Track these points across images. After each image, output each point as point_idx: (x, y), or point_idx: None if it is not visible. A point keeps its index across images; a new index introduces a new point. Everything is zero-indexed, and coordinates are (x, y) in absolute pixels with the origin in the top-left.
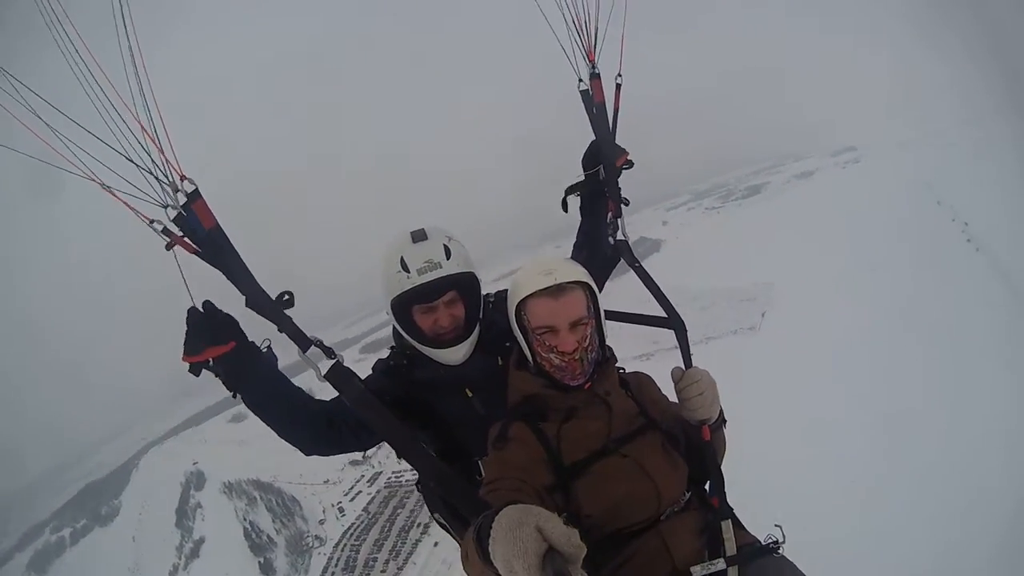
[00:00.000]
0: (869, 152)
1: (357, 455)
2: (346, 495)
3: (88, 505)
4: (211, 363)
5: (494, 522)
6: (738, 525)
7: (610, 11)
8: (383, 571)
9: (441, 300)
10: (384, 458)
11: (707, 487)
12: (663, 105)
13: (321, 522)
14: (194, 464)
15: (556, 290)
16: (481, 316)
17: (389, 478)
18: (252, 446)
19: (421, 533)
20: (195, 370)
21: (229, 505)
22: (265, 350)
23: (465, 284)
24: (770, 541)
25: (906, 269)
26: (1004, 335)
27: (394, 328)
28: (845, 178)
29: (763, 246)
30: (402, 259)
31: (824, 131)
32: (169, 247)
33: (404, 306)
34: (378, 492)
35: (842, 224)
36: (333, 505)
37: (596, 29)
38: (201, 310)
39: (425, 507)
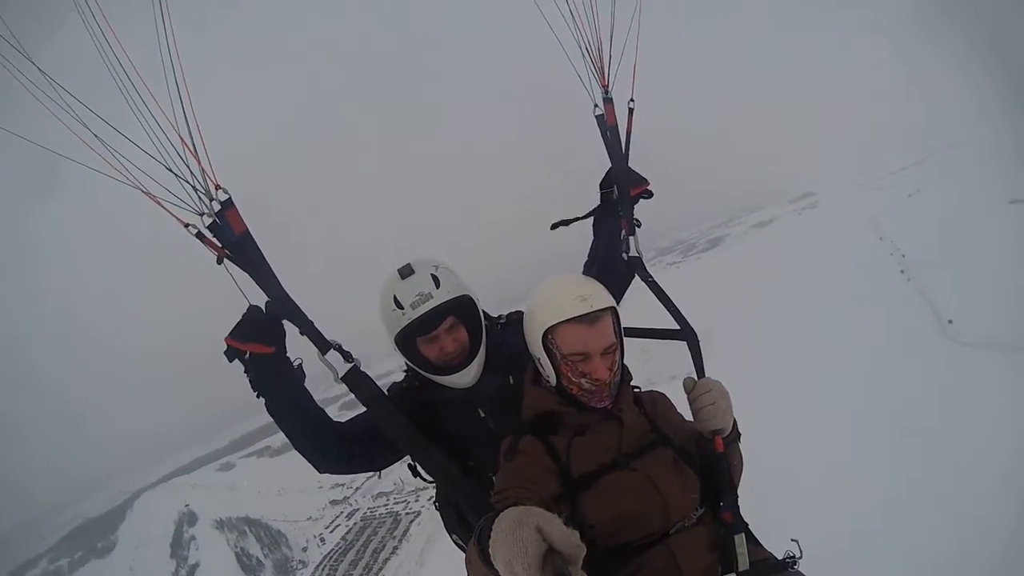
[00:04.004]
0: (827, 196)
1: (337, 495)
2: (327, 528)
3: (84, 540)
4: (248, 356)
5: (494, 523)
6: (752, 540)
7: (624, 41)
8: None
9: (441, 329)
10: (360, 497)
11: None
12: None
13: (304, 549)
14: (186, 506)
15: (592, 318)
16: (486, 335)
17: (364, 513)
18: (241, 491)
19: (391, 552)
20: (230, 355)
21: (221, 537)
22: (296, 366)
23: (461, 308)
24: (787, 556)
25: (842, 305)
26: (932, 362)
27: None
28: (800, 224)
29: (710, 296)
30: (394, 297)
31: (785, 178)
32: (219, 261)
33: (407, 341)
34: (355, 524)
35: (786, 269)
36: (315, 536)
37: (610, 56)
38: (262, 308)
39: (394, 532)
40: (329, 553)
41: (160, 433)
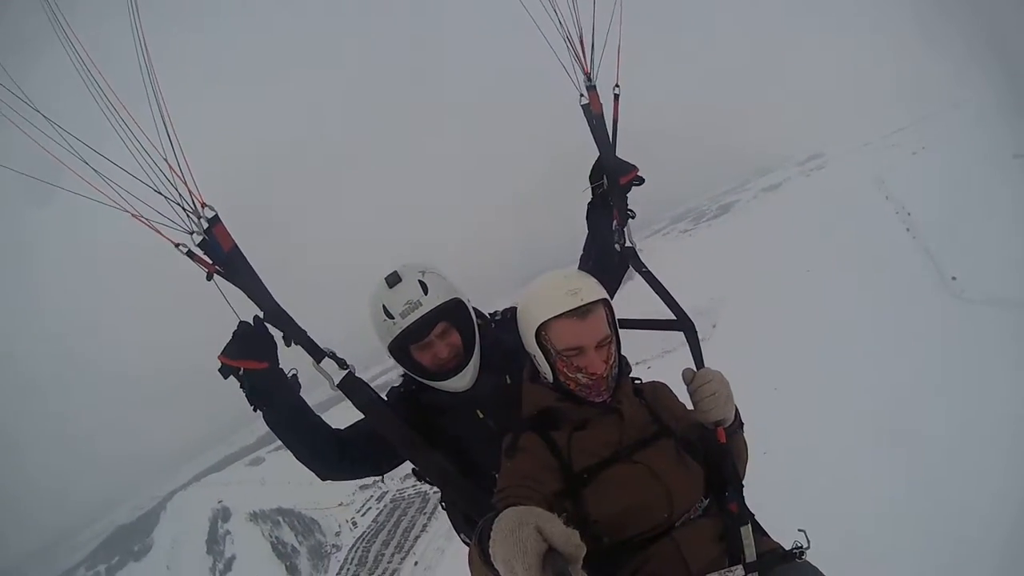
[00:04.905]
0: (834, 157)
1: (367, 480)
2: (358, 512)
3: (120, 545)
4: (241, 372)
5: (494, 524)
6: (759, 531)
7: (607, 29)
8: (389, 562)
9: (433, 335)
10: (389, 480)
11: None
12: (646, 131)
13: (337, 534)
14: (219, 502)
15: (584, 311)
16: (480, 336)
17: (394, 495)
18: (272, 483)
19: (421, 530)
20: (224, 372)
21: (255, 529)
22: (291, 377)
23: (452, 312)
24: (794, 546)
25: (849, 267)
26: (936, 326)
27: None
28: (809, 185)
29: (722, 262)
30: (384, 307)
31: (794, 139)
32: (209, 278)
33: (401, 350)
34: (385, 506)
35: (794, 232)
36: (347, 520)
37: (592, 42)
38: (251, 324)
39: (423, 510)
40: (362, 535)
41: (182, 440)
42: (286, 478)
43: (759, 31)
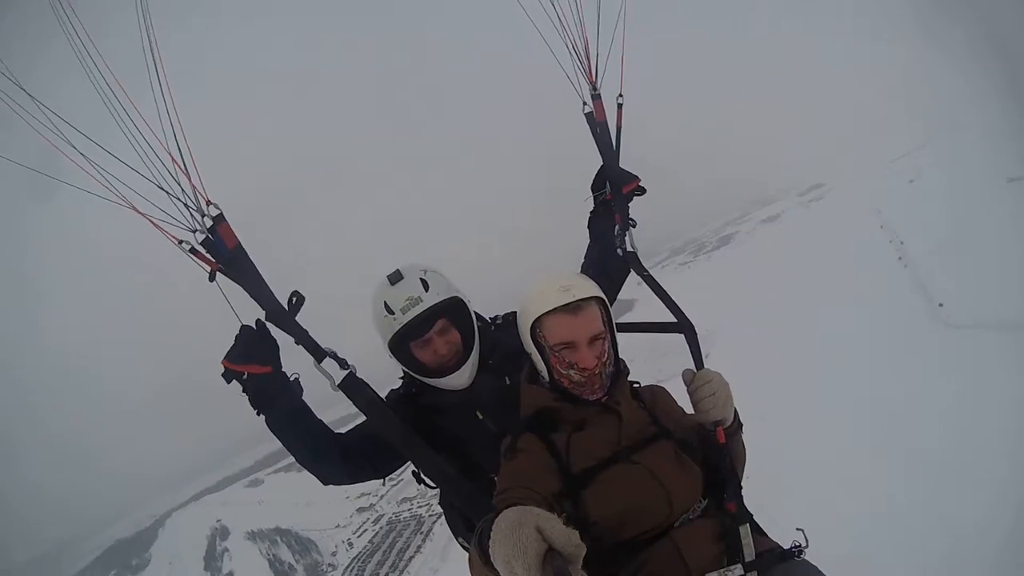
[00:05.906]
0: (834, 187)
1: (363, 503)
2: (355, 533)
3: (118, 559)
4: (245, 377)
5: (494, 524)
6: (758, 531)
7: (611, 39)
8: None
9: (433, 331)
10: (386, 504)
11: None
12: (648, 161)
13: (333, 554)
14: (218, 521)
15: (575, 307)
16: (480, 336)
17: (390, 517)
18: (270, 504)
19: (415, 551)
20: (227, 377)
21: (253, 547)
22: (293, 380)
23: (451, 309)
24: (793, 546)
25: (842, 299)
26: (925, 354)
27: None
28: (807, 217)
29: (718, 294)
30: (385, 303)
31: (795, 169)
32: (212, 278)
33: (401, 346)
34: (381, 528)
35: (789, 265)
36: (343, 541)
37: (597, 53)
38: (254, 327)
39: (418, 533)
40: (357, 555)
41: (181, 461)
42: (284, 499)
43: (761, 49)
